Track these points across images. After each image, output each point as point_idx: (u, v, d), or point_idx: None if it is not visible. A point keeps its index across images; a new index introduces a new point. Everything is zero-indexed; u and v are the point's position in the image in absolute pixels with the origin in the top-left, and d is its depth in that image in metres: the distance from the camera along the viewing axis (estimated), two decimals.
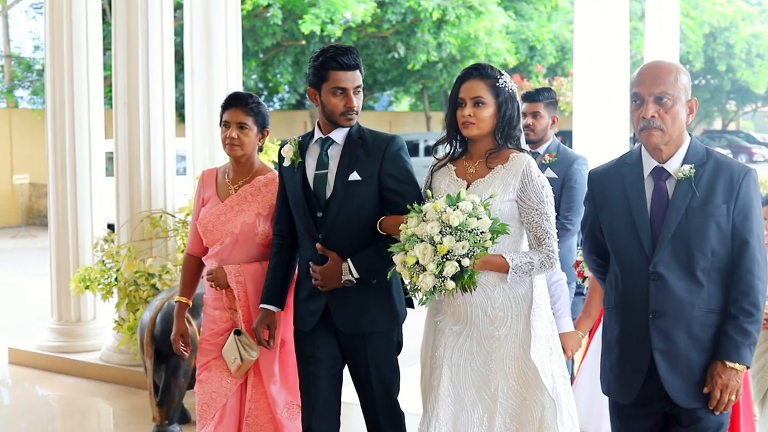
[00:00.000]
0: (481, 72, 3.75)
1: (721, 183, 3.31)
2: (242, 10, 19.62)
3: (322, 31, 20.25)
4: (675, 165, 3.37)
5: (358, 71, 3.92)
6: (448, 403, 3.71)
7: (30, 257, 15.43)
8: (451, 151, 3.85)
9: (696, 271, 3.30)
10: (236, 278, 4.31)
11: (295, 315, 4.13)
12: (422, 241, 3.45)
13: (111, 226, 7.33)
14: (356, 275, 3.87)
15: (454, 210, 3.44)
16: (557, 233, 5.38)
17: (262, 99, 4.56)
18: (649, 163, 3.41)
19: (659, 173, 3.39)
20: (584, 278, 4.96)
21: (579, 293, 5.20)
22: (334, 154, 3.97)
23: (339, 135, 3.99)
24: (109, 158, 10.52)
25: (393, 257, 3.55)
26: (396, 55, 23.16)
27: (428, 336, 3.86)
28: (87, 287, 6.72)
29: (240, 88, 7.15)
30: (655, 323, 3.34)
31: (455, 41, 22.58)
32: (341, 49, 3.92)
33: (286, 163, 4.07)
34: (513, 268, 3.59)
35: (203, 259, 4.50)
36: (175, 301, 4.56)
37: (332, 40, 21.76)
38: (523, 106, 5.43)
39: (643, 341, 3.36)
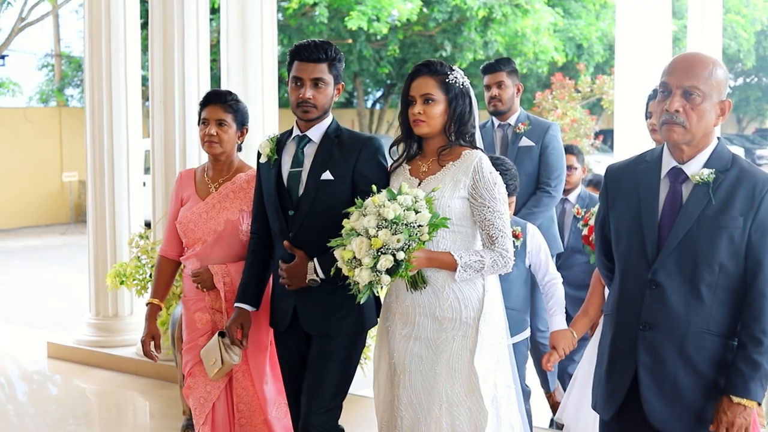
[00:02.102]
0: (431, 68, 3.67)
1: (741, 193, 3.01)
2: (288, 9, 19.86)
3: (368, 29, 20.24)
4: (695, 168, 3.09)
5: (323, 65, 3.82)
6: (409, 410, 3.66)
7: (77, 254, 15.60)
8: (406, 150, 3.79)
9: (699, 285, 3.02)
10: (223, 279, 4.27)
11: (271, 315, 4.10)
12: (359, 235, 3.40)
13: (149, 224, 7.40)
14: (321, 275, 3.79)
15: (392, 203, 3.39)
16: (540, 201, 5.49)
17: None
18: (668, 163, 3.14)
19: (676, 174, 3.12)
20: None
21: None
22: (310, 153, 3.91)
23: (316, 133, 3.93)
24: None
25: (333, 252, 3.48)
26: (443, 54, 23.06)
27: (381, 342, 3.80)
28: (122, 282, 6.80)
29: (275, 88, 7.18)
30: (645, 335, 3.08)
31: (502, 39, 22.43)
32: (309, 42, 3.84)
33: (263, 160, 4.02)
34: (462, 266, 3.51)
35: (181, 259, 4.47)
36: (147, 303, 4.51)
37: (378, 38, 21.79)
38: (485, 79, 5.54)
39: (630, 354, 3.12)
